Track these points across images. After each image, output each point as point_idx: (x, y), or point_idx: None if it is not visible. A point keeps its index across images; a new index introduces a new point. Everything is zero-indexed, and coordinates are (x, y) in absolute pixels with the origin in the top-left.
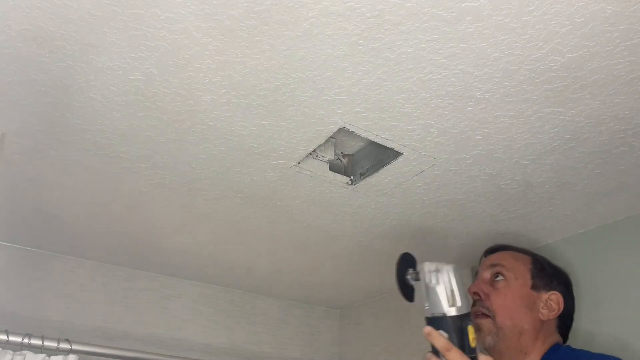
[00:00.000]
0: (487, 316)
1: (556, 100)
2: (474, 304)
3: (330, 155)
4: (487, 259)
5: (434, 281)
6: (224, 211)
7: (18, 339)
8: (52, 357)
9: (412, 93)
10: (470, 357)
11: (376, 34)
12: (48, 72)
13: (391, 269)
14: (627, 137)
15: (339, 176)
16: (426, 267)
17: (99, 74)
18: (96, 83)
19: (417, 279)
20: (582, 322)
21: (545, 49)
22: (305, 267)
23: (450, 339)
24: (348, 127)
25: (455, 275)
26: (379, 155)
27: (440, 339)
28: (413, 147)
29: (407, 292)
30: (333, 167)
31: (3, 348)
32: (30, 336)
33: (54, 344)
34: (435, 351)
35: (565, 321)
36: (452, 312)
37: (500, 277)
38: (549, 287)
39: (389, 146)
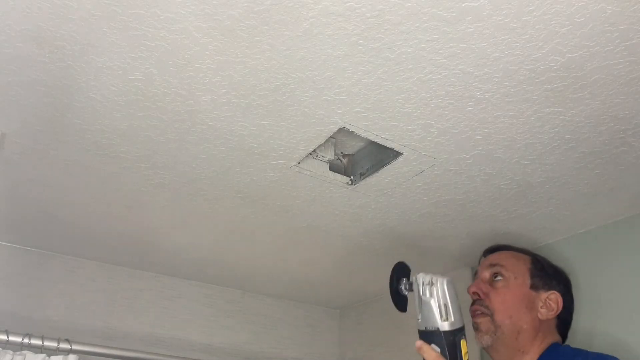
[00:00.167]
0: (486, 315)
1: (556, 100)
2: (473, 303)
3: (330, 155)
4: (486, 259)
5: (427, 294)
6: (224, 211)
7: (18, 339)
8: (52, 357)
9: (412, 93)
10: None
11: (376, 34)
12: (48, 72)
13: (391, 269)
14: (627, 137)
15: (339, 176)
16: (420, 279)
17: (99, 74)
18: (96, 83)
19: (410, 290)
20: (582, 322)
21: (545, 49)
22: (306, 267)
23: (442, 353)
24: (348, 127)
25: (449, 289)
26: (379, 155)
27: (431, 353)
28: (413, 147)
29: (400, 302)
30: (333, 167)
31: (3, 348)
32: (30, 336)
33: (54, 344)
34: None
35: (564, 320)
36: (445, 326)
37: (499, 277)
38: (548, 287)
39: (389, 146)
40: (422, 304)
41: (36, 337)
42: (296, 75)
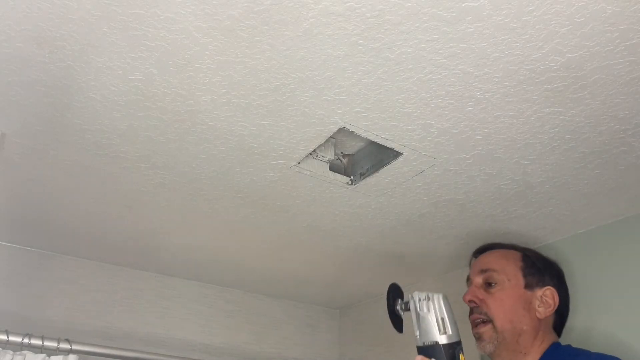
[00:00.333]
0: (487, 323)
1: (556, 100)
2: (471, 312)
3: (330, 155)
4: (476, 262)
5: (425, 309)
6: (224, 211)
7: (18, 339)
8: (52, 357)
9: (412, 93)
10: None
11: (376, 34)
12: (48, 72)
13: (391, 269)
14: (627, 137)
15: (339, 176)
16: (416, 296)
17: (99, 74)
18: (96, 83)
19: (406, 309)
20: (582, 322)
21: (545, 49)
22: (305, 267)
23: None
24: (348, 127)
25: (445, 303)
26: (379, 155)
27: None
28: (413, 147)
29: (397, 322)
30: (333, 167)
31: (3, 348)
32: (30, 336)
33: (54, 344)
34: None
35: (561, 315)
36: (443, 340)
37: (493, 283)
38: (542, 283)
39: (389, 146)
40: (420, 319)
41: (36, 337)
42: (296, 75)
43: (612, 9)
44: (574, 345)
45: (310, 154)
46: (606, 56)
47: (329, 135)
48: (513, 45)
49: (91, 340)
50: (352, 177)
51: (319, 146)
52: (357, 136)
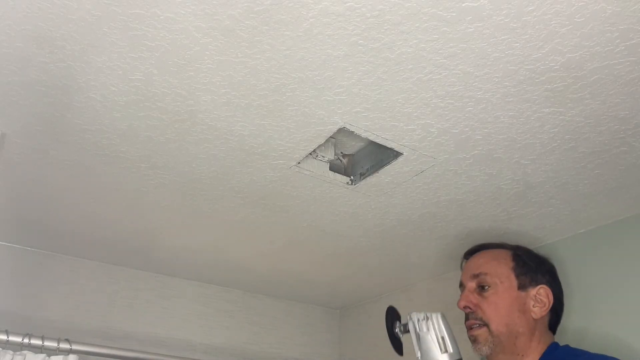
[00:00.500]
0: (482, 326)
1: (556, 100)
2: (466, 318)
3: (330, 155)
4: (467, 266)
5: (424, 329)
6: (224, 211)
7: (18, 339)
8: (52, 357)
9: (412, 93)
10: None
11: (376, 34)
12: (48, 72)
13: (391, 269)
14: (627, 137)
15: (339, 176)
16: (415, 317)
17: (99, 74)
18: (96, 83)
19: (405, 331)
20: (582, 322)
21: (545, 49)
22: (305, 267)
23: None
24: (348, 127)
25: (444, 322)
26: (379, 155)
27: None
28: (413, 147)
29: (397, 345)
30: (333, 167)
31: (3, 348)
32: (30, 336)
33: (54, 344)
34: None
35: (556, 312)
36: (445, 358)
37: (486, 286)
38: (535, 282)
39: (389, 146)
40: (420, 340)
41: (36, 337)
42: (296, 75)
43: (612, 9)
44: (574, 345)
45: (310, 154)
46: (606, 56)
47: (329, 135)
48: (513, 45)
49: (91, 340)
50: (352, 177)
51: (319, 146)
52: (357, 136)
